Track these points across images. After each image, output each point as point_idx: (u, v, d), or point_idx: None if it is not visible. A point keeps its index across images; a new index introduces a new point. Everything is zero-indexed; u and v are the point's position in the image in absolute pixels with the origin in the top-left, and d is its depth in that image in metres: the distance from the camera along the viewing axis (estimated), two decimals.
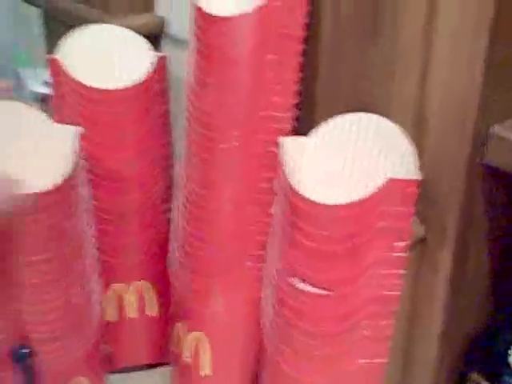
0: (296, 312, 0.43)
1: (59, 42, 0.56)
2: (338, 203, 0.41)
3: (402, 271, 0.43)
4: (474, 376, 0.53)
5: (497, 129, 0.45)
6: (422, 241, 0.49)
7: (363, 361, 0.44)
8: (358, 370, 0.44)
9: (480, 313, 0.54)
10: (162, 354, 0.61)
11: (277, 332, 0.46)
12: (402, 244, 0.42)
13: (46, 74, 0.61)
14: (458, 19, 0.43)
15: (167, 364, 0.60)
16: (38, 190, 0.44)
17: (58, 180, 0.45)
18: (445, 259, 0.49)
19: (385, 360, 0.45)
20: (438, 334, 0.51)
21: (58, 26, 0.78)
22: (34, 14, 0.86)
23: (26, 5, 0.84)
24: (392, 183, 0.41)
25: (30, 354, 0.49)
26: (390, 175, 0.41)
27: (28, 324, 0.48)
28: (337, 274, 0.42)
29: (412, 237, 0.49)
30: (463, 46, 0.43)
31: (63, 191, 0.46)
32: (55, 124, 0.49)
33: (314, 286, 0.42)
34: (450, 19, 0.44)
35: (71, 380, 0.52)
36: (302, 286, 0.43)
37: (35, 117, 0.48)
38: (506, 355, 0.51)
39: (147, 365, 0.63)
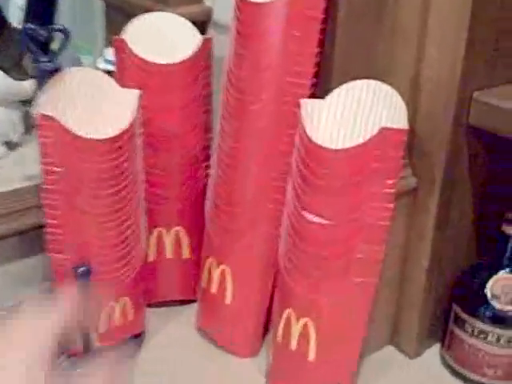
0: (304, 238, 0.54)
1: (122, 27, 0.68)
2: (341, 148, 0.52)
3: (391, 205, 0.53)
4: (457, 308, 0.63)
5: (477, 94, 0.56)
6: (415, 190, 0.60)
7: (358, 279, 0.54)
8: (354, 287, 0.55)
9: (464, 253, 0.64)
10: (191, 292, 0.72)
11: (289, 256, 0.57)
12: (391, 181, 0.52)
13: (111, 54, 0.73)
14: (446, 5, 0.54)
15: (194, 300, 0.71)
16: (107, 136, 0.56)
17: (123, 128, 0.57)
18: (432, 205, 0.59)
19: (376, 280, 0.55)
20: (427, 268, 0.61)
21: (118, 16, 0.90)
22: (96, 5, 0.99)
23: None
24: (385, 131, 0.51)
25: (89, 272, 0.60)
26: (383, 126, 0.52)
27: (89, 247, 0.60)
28: (338, 206, 0.53)
29: (406, 186, 0.59)
30: (450, 25, 0.54)
31: (126, 138, 0.58)
32: (121, 88, 0.61)
33: (320, 216, 0.53)
34: (440, 5, 0.54)
35: (119, 298, 0.64)
36: (310, 216, 0.54)
37: (107, 81, 0.61)
38: (483, 290, 0.61)
39: (178, 301, 0.73)
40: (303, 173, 0.54)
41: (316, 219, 0.54)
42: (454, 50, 0.54)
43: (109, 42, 0.92)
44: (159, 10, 0.74)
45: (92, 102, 0.60)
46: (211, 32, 0.79)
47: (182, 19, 0.69)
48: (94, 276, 0.55)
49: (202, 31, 0.72)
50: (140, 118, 0.61)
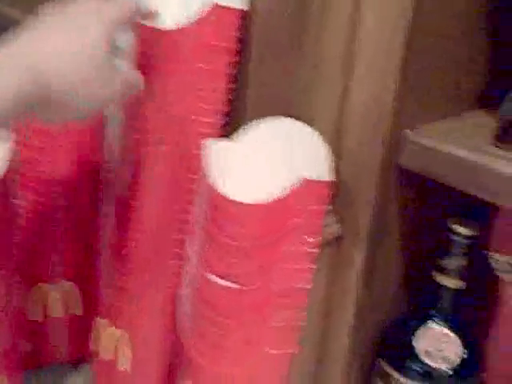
0: (209, 304, 0.46)
1: None
2: (253, 202, 0.43)
3: (312, 266, 0.45)
4: (383, 364, 0.56)
5: (409, 134, 0.48)
6: (338, 239, 0.52)
7: (272, 351, 0.46)
8: (267, 359, 0.47)
9: (391, 306, 0.57)
10: (86, 352, 0.61)
11: (191, 324, 0.48)
12: (312, 240, 0.44)
13: None
14: (377, 35, 0.46)
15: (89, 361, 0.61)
16: None
17: None
18: (358, 257, 0.52)
19: (294, 350, 0.47)
20: (350, 326, 0.54)
21: None
22: None
23: None
24: (306, 184, 0.43)
25: None
26: (305, 176, 0.43)
27: None
28: (249, 269, 0.44)
29: (329, 235, 0.52)
30: (380, 59, 0.46)
31: None
32: None
33: (227, 279, 0.45)
34: (369, 36, 0.46)
35: None
36: (216, 279, 0.45)
37: None
38: (411, 343, 0.55)
39: (71, 362, 0.63)
40: (208, 229, 0.45)
41: (223, 282, 0.45)
42: (384, 87, 0.46)
43: None
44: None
45: None
46: None
47: None
48: None
49: None
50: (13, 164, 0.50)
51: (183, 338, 0.49)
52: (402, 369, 0.55)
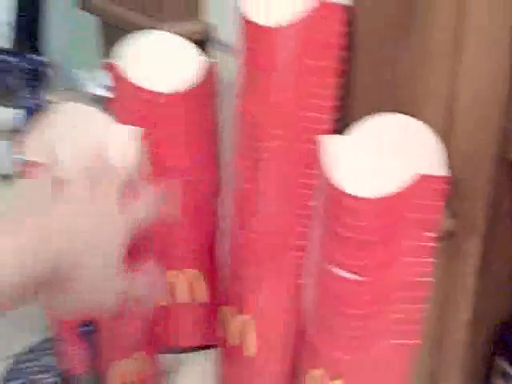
0: (332, 296, 0.48)
1: (115, 48, 0.61)
2: (374, 197, 0.45)
3: (431, 260, 0.46)
4: (501, 362, 0.56)
5: None
6: (453, 233, 0.53)
7: (395, 341, 0.48)
8: (390, 350, 0.48)
9: (507, 302, 0.57)
10: (210, 338, 0.65)
11: (315, 315, 0.50)
12: (431, 234, 0.45)
13: (105, 78, 0.66)
14: (486, 22, 0.46)
15: (214, 346, 0.65)
16: None
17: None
18: (473, 251, 0.52)
19: (415, 341, 0.48)
20: (468, 320, 0.54)
21: (113, 32, 0.83)
22: (91, 21, 0.92)
23: (83, 13, 0.89)
24: (422, 179, 0.45)
25: (93, 331, 0.54)
26: (420, 172, 0.45)
27: None
28: (371, 261, 0.46)
29: (443, 229, 0.52)
30: (490, 46, 0.46)
31: None
32: (116, 124, 0.54)
33: (349, 272, 0.47)
34: (478, 22, 0.47)
35: (130, 355, 0.58)
36: (339, 272, 0.47)
37: (101, 117, 0.54)
38: None
39: (196, 347, 0.67)
40: (329, 223, 0.47)
41: (345, 274, 0.47)
42: (494, 76, 0.47)
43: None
44: (153, 28, 0.67)
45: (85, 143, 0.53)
46: (213, 52, 0.71)
47: (182, 39, 0.62)
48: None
49: (204, 51, 0.65)
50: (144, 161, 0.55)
51: (306, 323, 0.51)
52: None
